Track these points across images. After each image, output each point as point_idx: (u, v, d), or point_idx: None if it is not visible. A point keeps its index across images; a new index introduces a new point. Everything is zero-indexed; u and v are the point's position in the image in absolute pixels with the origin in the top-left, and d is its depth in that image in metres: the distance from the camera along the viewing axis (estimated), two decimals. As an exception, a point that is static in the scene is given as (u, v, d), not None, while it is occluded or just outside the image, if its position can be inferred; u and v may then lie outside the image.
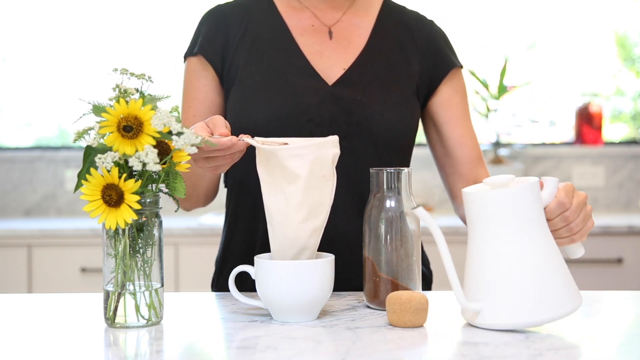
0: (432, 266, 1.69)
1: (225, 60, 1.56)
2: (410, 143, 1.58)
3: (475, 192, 1.21)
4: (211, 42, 1.57)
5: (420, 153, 2.68)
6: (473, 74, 3.53)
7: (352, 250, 1.48)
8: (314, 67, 1.53)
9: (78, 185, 1.17)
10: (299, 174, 1.23)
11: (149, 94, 1.21)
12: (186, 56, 1.61)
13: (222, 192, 1.67)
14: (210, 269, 1.72)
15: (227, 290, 1.49)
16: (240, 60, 1.55)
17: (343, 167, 1.31)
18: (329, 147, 1.25)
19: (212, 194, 1.63)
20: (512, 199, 1.17)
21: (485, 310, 1.17)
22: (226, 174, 1.63)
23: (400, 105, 1.54)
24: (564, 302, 1.17)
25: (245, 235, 1.57)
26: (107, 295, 1.21)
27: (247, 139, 1.26)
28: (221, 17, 1.59)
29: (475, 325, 1.19)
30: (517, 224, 1.17)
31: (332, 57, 1.55)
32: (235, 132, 1.29)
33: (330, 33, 1.57)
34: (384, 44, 1.59)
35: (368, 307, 1.32)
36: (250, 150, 1.29)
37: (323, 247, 1.33)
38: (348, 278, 1.47)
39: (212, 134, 1.26)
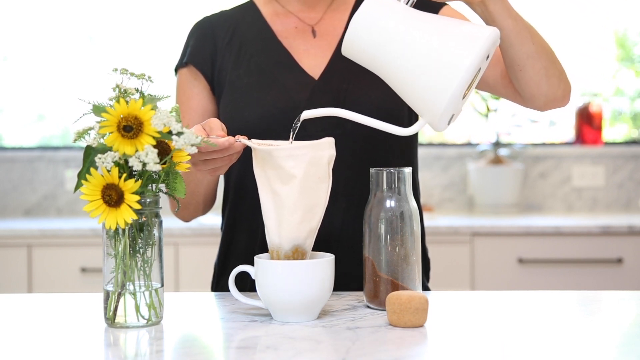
0: (432, 266, 1.69)
1: (214, 67, 1.60)
2: (402, 118, 1.57)
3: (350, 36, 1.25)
4: (200, 51, 1.61)
5: (420, 153, 2.68)
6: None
7: (347, 239, 1.50)
8: (300, 65, 1.56)
9: (78, 185, 1.17)
10: (295, 175, 1.23)
11: (149, 94, 1.21)
12: (177, 68, 1.65)
13: (219, 196, 1.67)
14: (211, 269, 1.72)
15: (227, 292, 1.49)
16: (228, 65, 1.59)
17: (340, 153, 1.32)
18: (324, 149, 1.27)
19: (211, 201, 1.64)
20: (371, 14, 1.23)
21: (431, 99, 1.22)
22: (224, 179, 1.64)
23: (384, 83, 1.54)
24: (475, 36, 1.20)
25: (246, 238, 1.58)
26: (107, 295, 1.21)
27: (244, 140, 1.27)
28: (208, 26, 1.63)
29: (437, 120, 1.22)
30: (388, 30, 1.23)
31: (317, 54, 1.58)
32: (229, 134, 1.30)
33: (313, 32, 1.60)
34: None
35: (368, 307, 1.32)
36: (248, 152, 1.30)
37: (319, 234, 1.32)
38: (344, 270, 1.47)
39: (209, 136, 1.27)
